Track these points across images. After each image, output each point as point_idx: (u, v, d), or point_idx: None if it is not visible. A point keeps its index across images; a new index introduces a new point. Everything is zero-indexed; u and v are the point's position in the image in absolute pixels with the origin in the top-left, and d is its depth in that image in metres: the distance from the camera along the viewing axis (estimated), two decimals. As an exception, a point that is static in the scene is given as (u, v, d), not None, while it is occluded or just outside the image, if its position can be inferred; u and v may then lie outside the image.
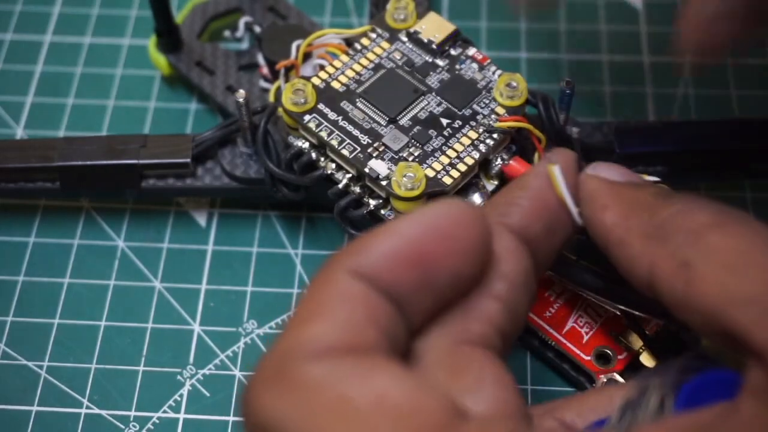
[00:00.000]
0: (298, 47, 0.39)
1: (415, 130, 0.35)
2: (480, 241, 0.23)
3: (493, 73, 0.36)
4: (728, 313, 0.22)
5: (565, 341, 0.35)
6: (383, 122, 0.35)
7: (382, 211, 0.35)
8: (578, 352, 0.35)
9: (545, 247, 0.26)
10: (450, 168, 0.34)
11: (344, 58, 0.37)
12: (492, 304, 0.24)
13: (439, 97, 0.36)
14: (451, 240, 0.23)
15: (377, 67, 0.36)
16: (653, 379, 0.23)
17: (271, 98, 0.39)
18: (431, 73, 0.36)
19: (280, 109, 0.36)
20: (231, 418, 0.36)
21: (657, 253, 0.24)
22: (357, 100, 0.35)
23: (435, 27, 0.37)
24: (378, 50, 0.37)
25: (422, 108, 0.35)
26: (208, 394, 0.37)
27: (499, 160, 0.35)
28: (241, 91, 0.36)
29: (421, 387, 0.21)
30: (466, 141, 0.35)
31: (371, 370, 0.21)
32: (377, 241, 0.23)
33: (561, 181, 0.27)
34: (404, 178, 0.33)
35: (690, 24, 0.31)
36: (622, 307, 0.33)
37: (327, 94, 0.36)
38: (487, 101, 0.36)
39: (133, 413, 0.36)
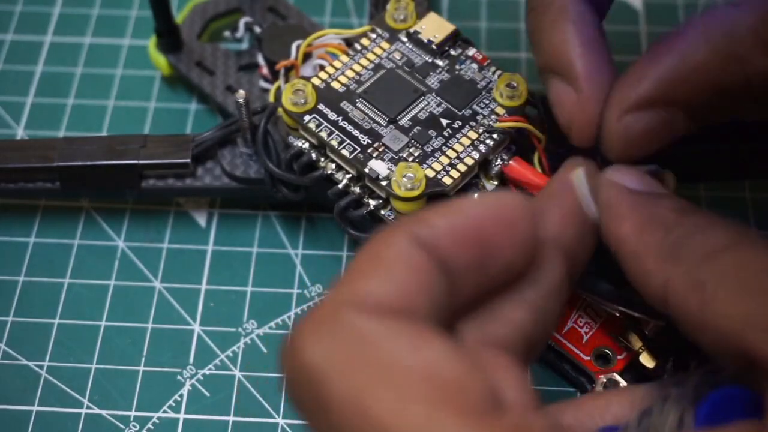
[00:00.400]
0: (298, 47, 0.39)
1: (415, 130, 0.35)
2: (533, 238, 0.23)
3: (493, 73, 0.36)
4: (745, 337, 0.22)
5: (564, 341, 0.35)
6: (383, 122, 0.35)
7: (382, 212, 0.35)
8: (578, 352, 0.35)
9: (577, 256, 0.26)
10: (450, 168, 0.34)
11: (344, 58, 0.37)
12: (522, 310, 0.24)
13: (439, 98, 0.36)
14: (512, 229, 0.23)
15: (377, 67, 0.37)
16: (671, 390, 0.23)
17: (271, 98, 0.39)
18: (431, 73, 0.36)
19: (280, 110, 0.36)
20: (231, 419, 0.36)
21: (672, 272, 0.24)
22: (357, 100, 0.35)
23: (435, 27, 0.37)
24: (378, 50, 0.37)
25: (422, 108, 0.35)
26: (208, 394, 0.37)
27: (499, 161, 0.35)
28: (241, 92, 0.36)
29: (469, 368, 0.20)
30: (466, 141, 0.35)
31: (423, 339, 0.20)
32: (442, 215, 0.23)
33: (584, 188, 0.27)
34: (404, 179, 0.33)
35: (612, 137, 0.28)
36: (621, 308, 0.33)
37: (327, 95, 0.36)
38: (487, 101, 0.36)
39: (133, 413, 0.36)
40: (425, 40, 0.37)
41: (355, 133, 0.35)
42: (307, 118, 0.35)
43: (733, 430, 0.21)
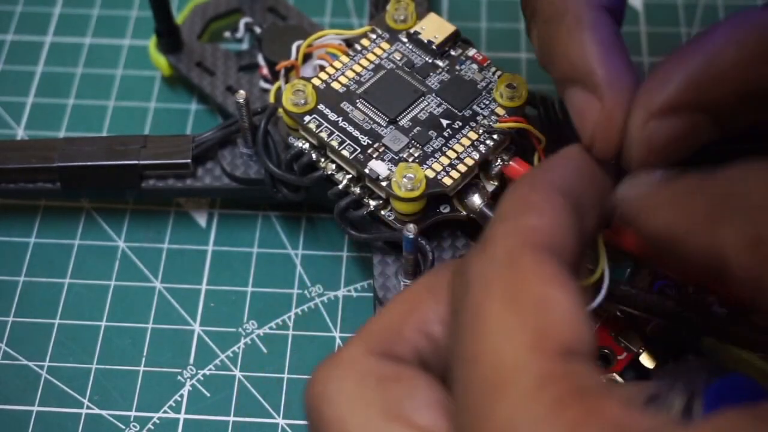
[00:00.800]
0: (298, 48, 0.39)
1: (415, 130, 0.35)
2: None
3: (493, 73, 0.36)
4: None
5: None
6: (383, 123, 0.35)
7: (382, 212, 0.35)
8: (578, 352, 0.35)
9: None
10: (450, 169, 0.34)
11: (344, 58, 0.37)
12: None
13: (439, 98, 0.36)
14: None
15: (377, 67, 0.37)
16: (677, 378, 0.23)
17: (271, 99, 0.39)
18: (431, 73, 0.36)
19: (280, 110, 0.36)
20: (231, 419, 0.36)
21: (724, 231, 0.22)
22: (357, 100, 0.36)
23: (435, 28, 0.37)
24: (378, 51, 0.37)
25: (422, 109, 0.35)
26: (208, 395, 0.37)
27: (499, 161, 0.35)
28: (242, 92, 0.36)
29: (577, 310, 0.22)
30: (466, 142, 0.35)
31: (559, 290, 0.22)
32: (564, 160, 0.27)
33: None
34: (404, 179, 0.33)
35: (635, 145, 0.27)
36: (622, 308, 0.33)
37: (327, 95, 0.36)
38: (487, 102, 0.36)
39: (133, 413, 0.36)
40: (425, 41, 0.37)
41: (356, 133, 0.35)
42: (307, 118, 0.35)
43: (736, 414, 0.20)
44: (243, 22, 0.44)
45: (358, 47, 0.37)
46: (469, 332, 0.21)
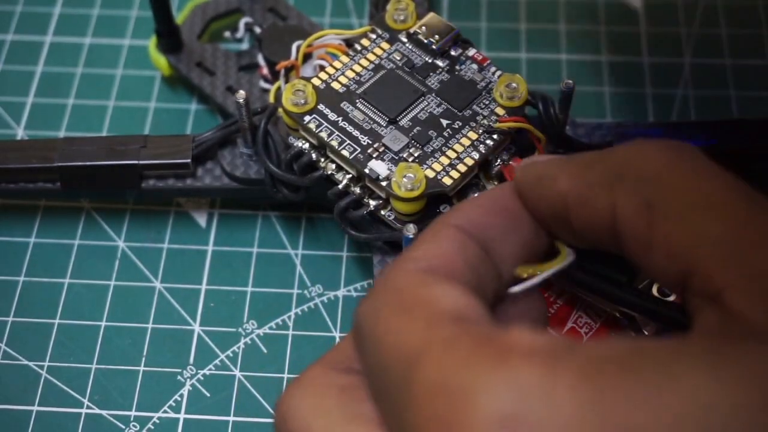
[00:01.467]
0: (298, 48, 0.39)
1: (415, 130, 0.35)
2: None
3: (493, 73, 0.36)
4: (693, 254, 0.22)
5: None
6: (383, 123, 0.35)
7: (382, 212, 0.35)
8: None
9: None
10: (450, 169, 0.34)
11: (344, 58, 0.37)
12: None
13: (439, 98, 0.36)
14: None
15: (377, 67, 0.37)
16: None
17: (271, 99, 0.39)
18: (431, 73, 0.36)
19: (280, 110, 0.36)
20: (231, 419, 0.36)
21: (618, 195, 0.24)
22: (357, 100, 0.36)
23: (435, 28, 0.37)
24: (378, 51, 0.37)
25: (422, 109, 0.36)
26: (208, 395, 0.37)
27: (499, 161, 0.35)
28: (241, 92, 0.36)
29: (465, 297, 0.23)
30: (466, 142, 0.35)
31: (443, 287, 0.23)
32: (470, 203, 0.27)
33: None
34: (404, 179, 0.33)
35: None
36: (621, 308, 0.33)
37: (327, 95, 0.36)
38: (487, 102, 0.36)
39: (133, 413, 0.36)
40: (425, 41, 0.37)
41: (356, 133, 0.35)
42: (307, 118, 0.35)
43: (657, 342, 0.21)
44: (243, 22, 0.44)
45: (358, 47, 0.37)
46: (371, 347, 0.22)
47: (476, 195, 0.29)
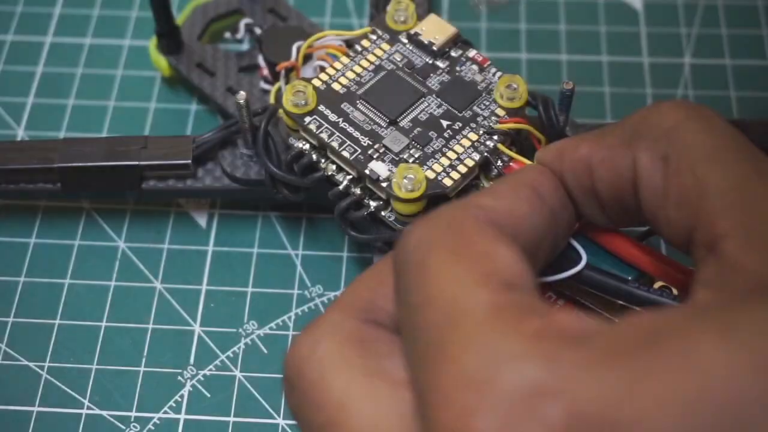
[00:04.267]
0: (298, 49, 0.39)
1: (415, 131, 0.35)
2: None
3: (494, 74, 0.36)
4: (698, 204, 0.23)
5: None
6: (384, 124, 0.35)
7: (383, 213, 0.35)
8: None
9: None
10: (450, 170, 0.34)
11: (345, 59, 0.37)
12: None
13: (439, 99, 0.36)
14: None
15: (378, 68, 0.37)
16: None
17: (272, 100, 0.39)
18: (431, 74, 0.36)
19: (280, 111, 0.36)
20: (231, 419, 0.36)
21: (637, 150, 0.25)
22: (357, 101, 0.36)
23: (435, 28, 0.37)
24: (378, 52, 0.37)
25: (422, 110, 0.36)
26: (208, 395, 0.37)
27: (499, 162, 0.35)
28: (242, 93, 0.36)
29: (519, 260, 0.23)
30: (466, 143, 0.35)
31: (505, 246, 0.23)
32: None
33: None
34: (405, 180, 0.33)
35: None
36: (622, 303, 0.33)
37: (327, 96, 0.36)
38: (488, 103, 0.36)
39: (133, 414, 0.36)
40: (426, 42, 0.37)
41: (356, 134, 0.35)
42: (307, 119, 0.35)
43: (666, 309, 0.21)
44: (243, 23, 0.44)
45: (359, 48, 0.37)
46: (415, 283, 0.22)
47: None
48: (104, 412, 0.36)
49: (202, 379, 0.37)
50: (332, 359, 0.23)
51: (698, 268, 0.23)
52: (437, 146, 0.35)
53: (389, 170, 0.34)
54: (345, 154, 0.34)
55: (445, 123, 0.35)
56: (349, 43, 0.38)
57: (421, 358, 0.21)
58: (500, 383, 0.19)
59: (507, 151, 0.34)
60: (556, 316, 0.20)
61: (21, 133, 0.44)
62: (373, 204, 0.35)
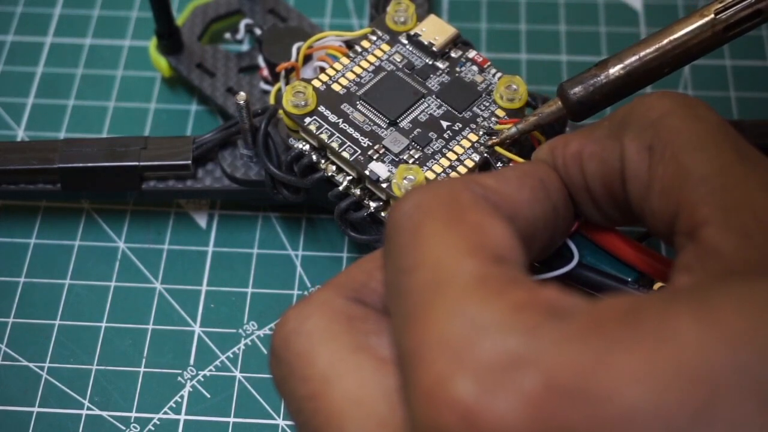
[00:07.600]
0: (298, 49, 0.39)
1: (415, 132, 0.35)
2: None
3: (493, 75, 0.37)
4: (680, 192, 0.23)
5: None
6: (384, 125, 0.35)
7: (383, 214, 0.35)
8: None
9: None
10: (450, 170, 0.34)
11: (345, 60, 0.37)
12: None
13: (439, 100, 0.36)
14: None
15: (378, 69, 0.37)
16: None
17: (272, 100, 0.39)
18: (431, 75, 0.37)
19: (280, 112, 0.36)
20: (231, 420, 0.36)
21: (624, 141, 0.25)
22: (357, 102, 0.36)
23: (435, 29, 0.37)
24: (378, 53, 0.37)
25: (422, 110, 0.36)
26: (208, 396, 0.37)
27: (499, 163, 0.35)
28: (242, 93, 0.36)
29: (511, 235, 0.23)
30: (466, 143, 0.35)
31: (498, 221, 0.23)
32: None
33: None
34: (404, 181, 0.33)
35: None
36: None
37: (327, 97, 0.36)
38: (487, 104, 0.36)
39: (133, 414, 0.36)
40: (425, 43, 0.37)
41: (356, 135, 0.35)
42: (307, 120, 0.35)
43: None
44: (243, 23, 0.44)
45: (359, 49, 0.37)
46: (406, 247, 0.22)
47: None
48: (104, 413, 0.36)
49: (202, 379, 0.37)
50: (320, 334, 0.23)
51: (678, 254, 0.24)
52: (437, 147, 0.35)
53: (389, 171, 0.34)
54: (345, 154, 0.34)
55: (445, 124, 0.35)
56: (349, 44, 0.38)
57: (404, 322, 0.21)
58: (479, 351, 0.19)
59: (506, 153, 0.34)
60: (541, 290, 0.21)
61: (21, 134, 0.44)
62: (373, 205, 0.35)
